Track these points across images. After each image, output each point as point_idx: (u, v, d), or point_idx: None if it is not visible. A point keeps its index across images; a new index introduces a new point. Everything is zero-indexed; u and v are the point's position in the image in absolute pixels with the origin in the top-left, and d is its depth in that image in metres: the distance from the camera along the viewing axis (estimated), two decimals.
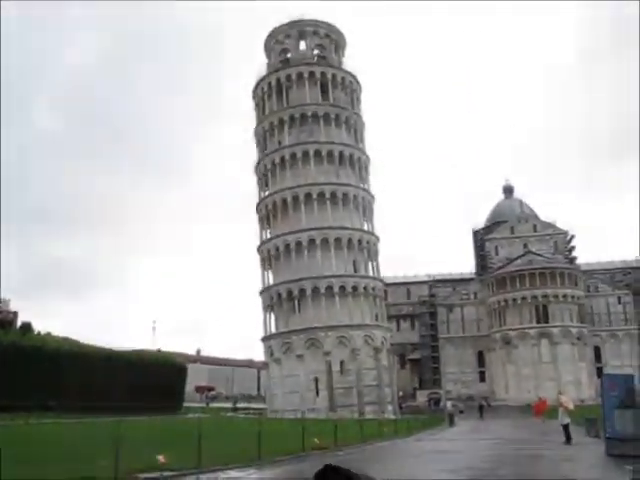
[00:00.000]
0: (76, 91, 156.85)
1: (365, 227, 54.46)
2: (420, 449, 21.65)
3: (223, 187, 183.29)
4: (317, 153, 53.00)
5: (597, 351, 75.52)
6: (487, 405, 47.48)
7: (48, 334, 41.04)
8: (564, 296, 71.58)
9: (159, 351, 61.83)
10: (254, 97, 59.42)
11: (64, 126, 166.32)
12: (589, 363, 71.34)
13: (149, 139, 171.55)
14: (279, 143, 54.88)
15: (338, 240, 50.82)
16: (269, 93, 56.75)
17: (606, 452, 17.73)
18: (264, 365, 56.91)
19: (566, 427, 21.95)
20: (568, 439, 21.62)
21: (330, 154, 53.19)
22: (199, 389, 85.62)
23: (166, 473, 14.19)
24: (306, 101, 54.81)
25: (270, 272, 54.55)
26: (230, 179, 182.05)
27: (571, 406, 23.13)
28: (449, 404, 41.25)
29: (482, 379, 77.92)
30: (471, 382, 77.20)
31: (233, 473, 15.43)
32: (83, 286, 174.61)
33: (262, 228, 56.00)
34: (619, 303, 77.80)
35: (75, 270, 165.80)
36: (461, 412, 45.84)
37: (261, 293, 54.55)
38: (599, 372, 64.00)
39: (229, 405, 65.63)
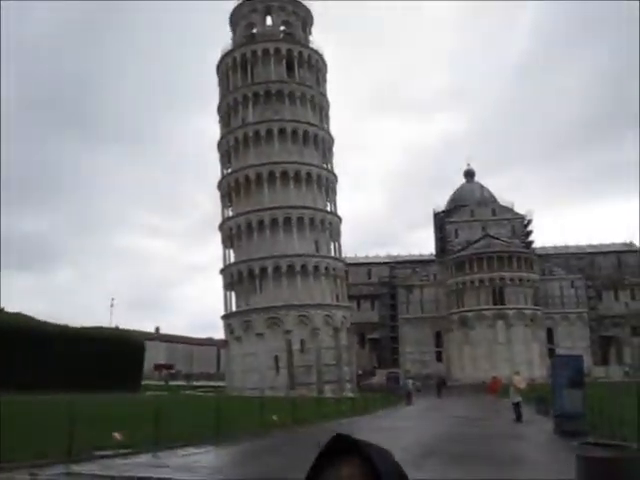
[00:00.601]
0: (41, 60, 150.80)
1: (328, 207, 54.52)
2: (376, 426, 22.06)
3: (187, 163, 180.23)
4: (281, 131, 52.55)
5: (550, 333, 77.97)
6: (443, 384, 48.61)
7: (1, 310, 39.96)
8: (520, 279, 73.47)
9: (117, 328, 60.85)
10: (218, 72, 58.29)
11: (29, 95, 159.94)
12: (542, 344, 73.63)
13: (110, 112, 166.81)
14: (243, 120, 54.16)
15: (300, 220, 50.76)
16: (234, 69, 55.74)
17: (554, 429, 18.44)
18: (224, 343, 56.81)
19: (517, 405, 22.65)
20: (518, 417, 22.34)
21: (294, 133, 52.83)
22: (158, 367, 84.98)
23: (122, 450, 14.10)
24: (271, 78, 54.12)
25: (232, 250, 54.22)
26: (194, 155, 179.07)
27: (522, 385, 23.85)
28: (410, 382, 42.10)
29: (439, 359, 79.64)
30: (429, 362, 78.85)
31: (191, 450, 15.43)
32: (38, 261, 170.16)
33: (224, 206, 55.44)
34: (572, 287, 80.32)
35: (30, 244, 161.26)
36: (418, 391, 46.83)
37: (222, 271, 54.21)
38: (551, 353, 66.11)
39: (188, 383, 65.43)
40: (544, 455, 15.00)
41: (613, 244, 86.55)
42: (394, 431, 19.29)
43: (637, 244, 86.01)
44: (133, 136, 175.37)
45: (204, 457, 14.68)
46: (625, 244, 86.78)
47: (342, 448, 0.78)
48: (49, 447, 12.69)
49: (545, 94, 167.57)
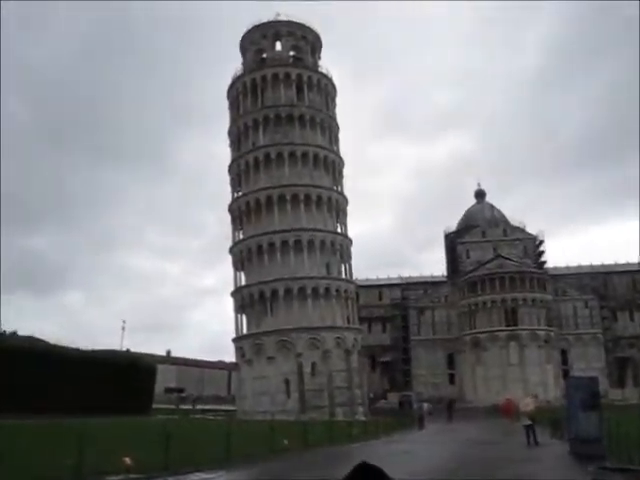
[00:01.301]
0: (48, 82, 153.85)
1: (338, 229, 54.62)
2: (387, 451, 21.77)
3: (197, 186, 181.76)
4: (292, 154, 52.98)
5: (564, 354, 76.99)
6: (452, 406, 47.87)
7: (13, 333, 40.16)
8: (533, 300, 72.83)
9: (128, 352, 60.93)
10: (229, 97, 59.13)
11: (34, 115, 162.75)
12: (556, 365, 72.68)
13: (125, 133, 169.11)
14: (253, 144, 54.69)
15: (311, 242, 50.86)
16: (244, 93, 56.53)
17: (569, 452, 18.10)
18: (235, 366, 56.59)
19: (528, 428, 22.23)
20: (530, 441, 21.86)
21: (305, 156, 53.23)
22: (169, 391, 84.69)
23: (132, 475, 14.03)
24: (281, 102, 54.77)
25: (242, 273, 54.32)
26: (205, 178, 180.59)
27: (529, 408, 23.37)
28: (425, 405, 41.58)
29: (452, 381, 78.78)
30: (441, 384, 77.97)
31: (202, 475, 15.31)
32: (47, 281, 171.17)
33: (235, 229, 55.72)
34: (586, 307, 79.46)
35: (42, 266, 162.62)
36: (430, 414, 46.24)
37: (233, 294, 54.25)
38: (565, 374, 65.29)
39: (199, 407, 65.06)
40: (559, 476, 14.71)
41: (628, 264, 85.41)
42: (408, 455, 19.04)
43: None
44: (147, 158, 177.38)
45: None
46: None
47: (366, 476, 0.79)
48: (57, 472, 12.65)
49: (556, 110, 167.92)
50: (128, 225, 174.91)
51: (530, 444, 21.57)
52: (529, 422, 22.34)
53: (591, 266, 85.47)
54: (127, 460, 14.10)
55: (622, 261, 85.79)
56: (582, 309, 79.39)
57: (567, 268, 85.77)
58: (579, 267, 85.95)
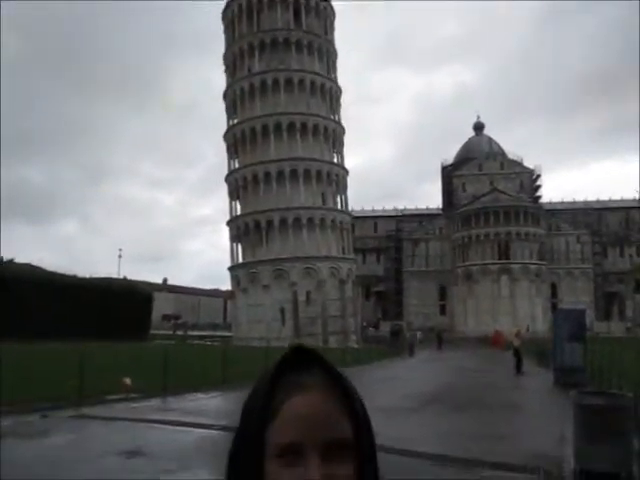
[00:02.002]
0: (47, 17, 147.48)
1: (335, 160, 54.11)
2: (380, 376, 22.53)
3: (192, 114, 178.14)
4: (288, 81, 51.66)
5: (554, 288, 78.35)
6: (442, 336, 49.29)
7: (11, 260, 40.42)
8: (526, 234, 73.36)
9: (125, 279, 61.61)
10: (224, 20, 56.94)
11: (32, 48, 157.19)
12: (545, 299, 74.13)
13: (122, 65, 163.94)
14: (249, 70, 53.21)
15: (307, 172, 50.49)
16: (239, 16, 54.36)
17: (554, 381, 18.79)
18: (231, 294, 57.52)
19: (515, 358, 22.97)
20: (518, 369, 22.69)
21: (301, 83, 51.94)
22: (166, 317, 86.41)
23: (132, 395, 14.54)
24: (278, 26, 52.83)
25: (238, 202, 54.22)
26: (203, 107, 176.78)
27: (516, 343, 24.12)
28: (418, 334, 42.78)
29: (443, 312, 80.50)
30: (432, 314, 79.72)
31: (199, 395, 15.88)
32: (45, 212, 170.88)
33: (230, 157, 55.12)
34: (578, 242, 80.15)
35: (37, 195, 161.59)
36: (420, 342, 47.59)
37: (229, 223, 54.40)
38: (554, 307, 66.62)
39: (195, 333, 66.57)
40: (542, 403, 15.36)
41: (622, 200, 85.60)
42: (398, 380, 19.73)
43: None
44: (139, 87, 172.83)
45: (211, 402, 15.12)
46: (634, 200, 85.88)
47: (303, 360, 0.79)
48: (60, 392, 13.08)
49: (561, 45, 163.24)
50: (124, 156, 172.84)
51: (517, 373, 22.41)
52: (516, 353, 23.08)
53: (585, 202, 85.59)
54: (127, 381, 14.57)
55: (616, 197, 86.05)
56: (574, 244, 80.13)
57: (562, 203, 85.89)
58: (573, 203, 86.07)
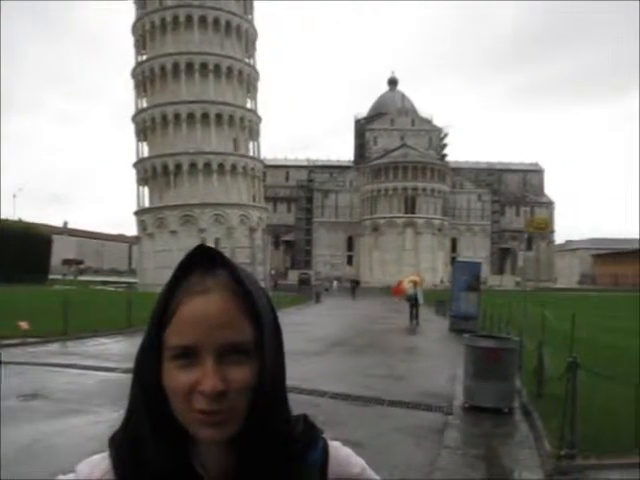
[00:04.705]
0: None
1: (248, 105, 52.91)
2: (288, 321, 23.01)
3: (105, 47, 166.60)
4: (202, 19, 49.28)
5: (454, 242, 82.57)
6: (357, 285, 50.78)
7: None
8: (432, 190, 76.30)
9: (20, 221, 57.96)
10: None
11: None
12: (446, 252, 78.03)
13: None
14: (160, 2, 50.19)
15: (219, 116, 49.08)
16: None
17: (450, 328, 20.12)
18: (136, 240, 55.81)
19: (410, 307, 23.15)
20: (412, 317, 22.92)
21: (216, 22, 49.76)
22: (67, 262, 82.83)
23: (29, 339, 13.97)
24: None
25: (145, 144, 51.98)
26: (114, 38, 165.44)
27: (410, 291, 23.86)
28: (335, 283, 43.42)
29: (350, 262, 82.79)
30: (339, 264, 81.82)
31: (101, 340, 15.53)
32: None
33: (138, 96, 52.34)
34: (479, 200, 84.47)
35: None
36: (326, 290, 48.88)
37: (135, 165, 52.17)
38: (453, 261, 70.24)
39: (99, 279, 64.43)
40: (437, 346, 16.43)
41: (521, 163, 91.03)
42: (305, 325, 20.25)
43: (541, 165, 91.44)
44: (45, 14, 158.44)
45: (115, 346, 14.85)
46: (532, 164, 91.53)
47: (205, 259, 0.74)
48: None
49: (481, 11, 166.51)
50: (27, 87, 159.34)
51: (412, 321, 22.72)
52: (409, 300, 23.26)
53: (488, 163, 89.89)
54: (23, 324, 13.95)
55: (516, 161, 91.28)
56: (475, 202, 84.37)
57: (466, 162, 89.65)
58: (477, 163, 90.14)
